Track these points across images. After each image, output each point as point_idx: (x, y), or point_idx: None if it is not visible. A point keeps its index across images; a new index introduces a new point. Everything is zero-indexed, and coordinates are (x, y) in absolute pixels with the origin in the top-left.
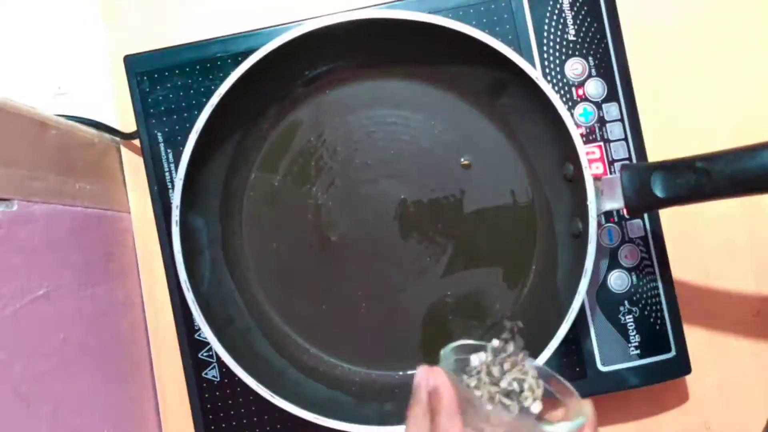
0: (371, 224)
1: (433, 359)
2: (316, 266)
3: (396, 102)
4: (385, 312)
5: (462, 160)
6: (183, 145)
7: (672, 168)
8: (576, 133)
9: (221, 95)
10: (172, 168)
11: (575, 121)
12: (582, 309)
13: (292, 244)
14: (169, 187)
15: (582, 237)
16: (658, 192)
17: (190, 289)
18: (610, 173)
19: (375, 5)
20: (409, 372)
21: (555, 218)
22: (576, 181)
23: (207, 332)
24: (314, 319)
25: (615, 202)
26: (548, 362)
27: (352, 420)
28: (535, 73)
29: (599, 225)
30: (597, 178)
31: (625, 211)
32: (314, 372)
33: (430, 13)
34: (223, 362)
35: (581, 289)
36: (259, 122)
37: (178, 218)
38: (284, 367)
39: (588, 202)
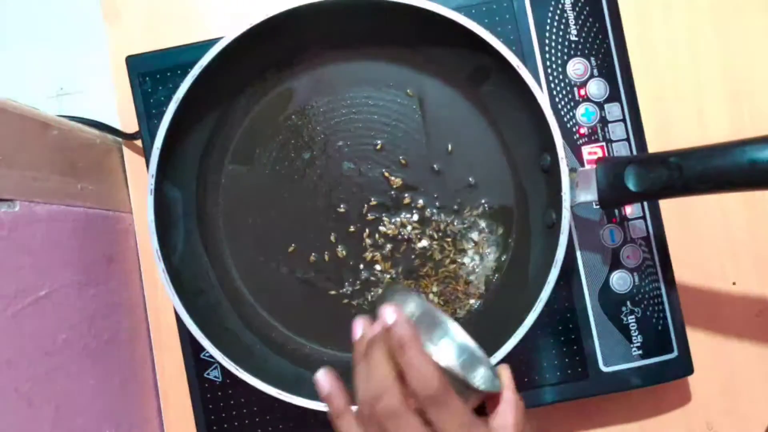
0: (349, 207)
1: None
2: (291, 245)
3: (378, 84)
4: (357, 295)
5: (446, 145)
6: None
7: (646, 162)
8: (554, 123)
9: (202, 66)
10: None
11: (577, 121)
12: (584, 309)
13: (269, 221)
14: None
15: (555, 227)
16: (631, 186)
17: (161, 258)
18: None
19: None
20: None
21: (531, 208)
22: (552, 172)
23: (176, 303)
24: (286, 298)
25: (589, 195)
26: (550, 363)
27: (317, 398)
28: (516, 61)
29: (601, 225)
30: (572, 170)
31: (597, 204)
32: (282, 349)
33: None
34: None
35: (551, 279)
36: (240, 99)
37: (152, 187)
38: (252, 342)
39: (562, 193)
